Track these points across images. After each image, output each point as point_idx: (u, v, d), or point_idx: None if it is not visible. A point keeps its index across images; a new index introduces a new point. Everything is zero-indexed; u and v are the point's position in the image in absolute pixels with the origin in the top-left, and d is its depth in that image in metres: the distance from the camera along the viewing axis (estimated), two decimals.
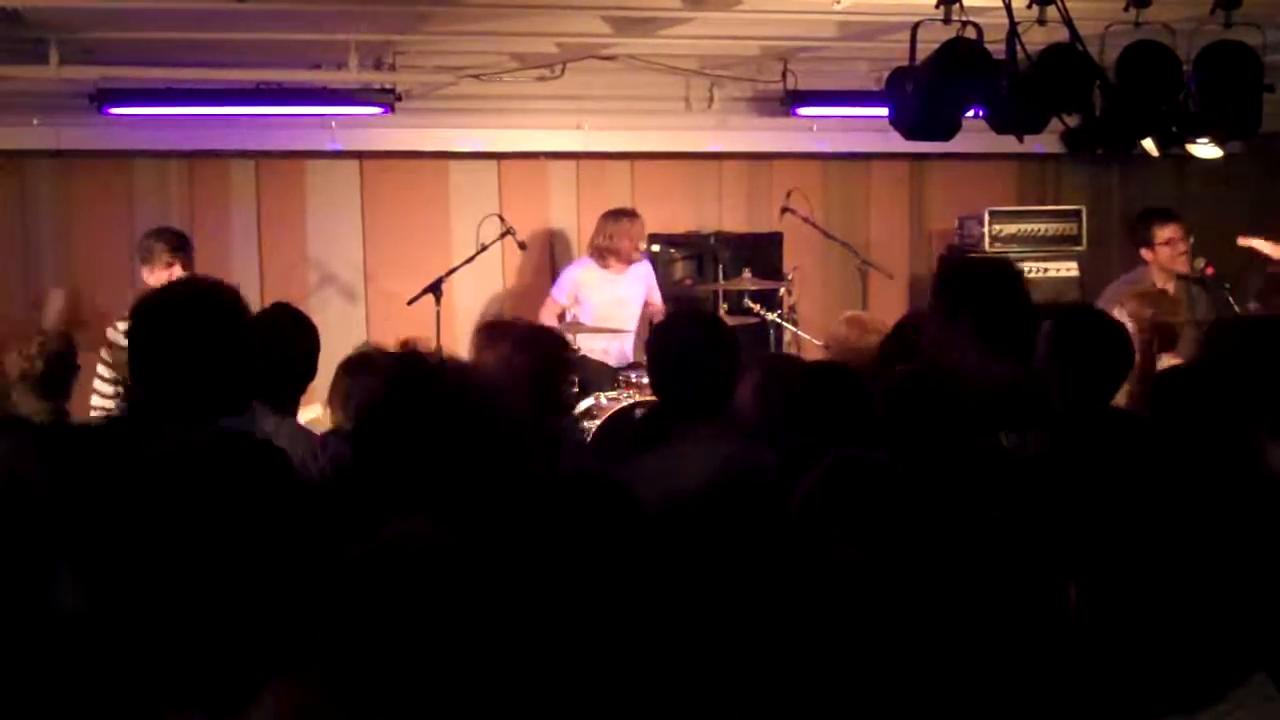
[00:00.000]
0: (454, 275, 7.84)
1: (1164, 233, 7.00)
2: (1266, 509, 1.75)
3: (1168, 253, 6.98)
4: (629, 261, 7.98)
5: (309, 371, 4.30)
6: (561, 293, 7.99)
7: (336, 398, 4.32)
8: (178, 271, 6.40)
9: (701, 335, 3.93)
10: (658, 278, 8.30)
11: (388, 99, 7.44)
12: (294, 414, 4.25)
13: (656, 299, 8.14)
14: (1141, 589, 1.66)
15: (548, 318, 7.75)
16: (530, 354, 4.35)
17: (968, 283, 4.39)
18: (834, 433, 3.33)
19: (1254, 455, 3.36)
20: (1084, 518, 2.01)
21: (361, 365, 4.33)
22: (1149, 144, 5.37)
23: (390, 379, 2.94)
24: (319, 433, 4.27)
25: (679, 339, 3.96)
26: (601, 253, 7.97)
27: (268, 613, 1.66)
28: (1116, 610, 1.71)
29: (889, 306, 7.65)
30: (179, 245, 6.63)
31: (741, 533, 3.04)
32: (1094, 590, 1.80)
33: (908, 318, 4.96)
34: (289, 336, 4.27)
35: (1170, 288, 6.78)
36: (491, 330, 5.08)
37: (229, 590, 1.78)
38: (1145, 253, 7.05)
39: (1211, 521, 1.64)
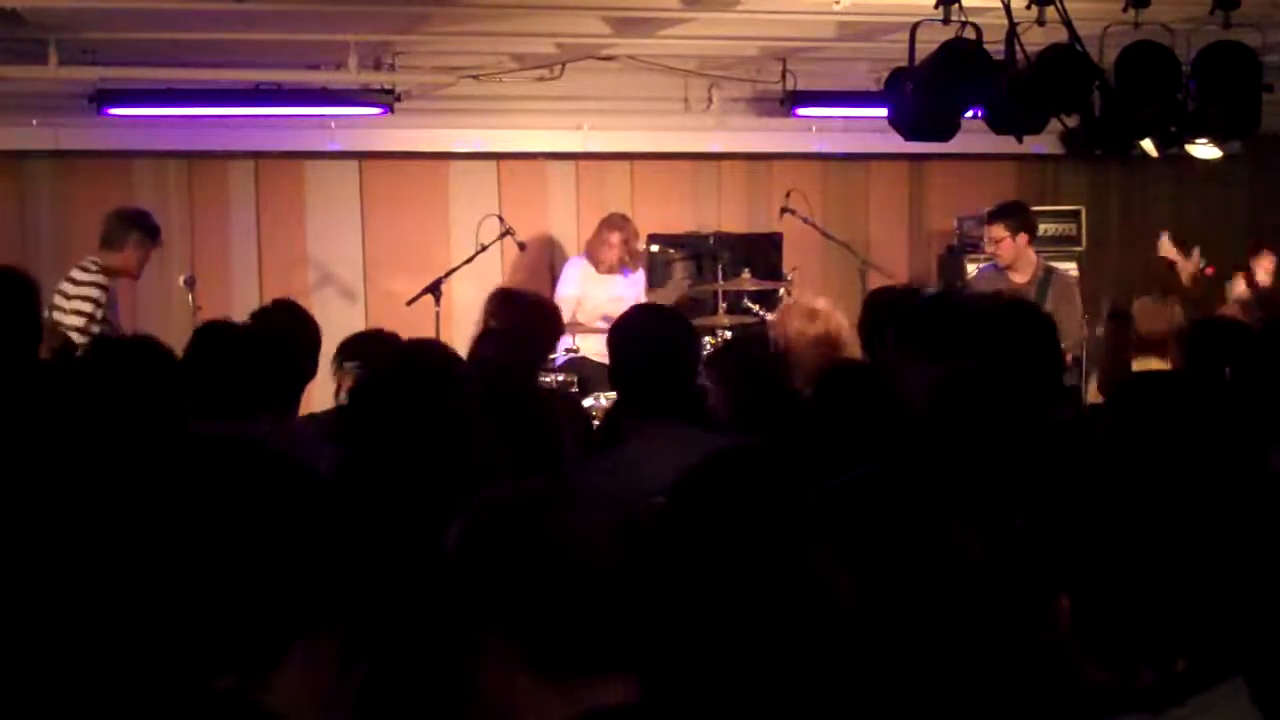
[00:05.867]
0: (453, 275, 7.82)
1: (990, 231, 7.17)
2: (1264, 508, 1.74)
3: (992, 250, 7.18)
4: (611, 268, 7.96)
5: (308, 370, 4.24)
6: (568, 285, 7.97)
7: None
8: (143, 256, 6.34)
9: (659, 330, 3.88)
10: (656, 279, 8.29)
11: (387, 99, 7.44)
12: (294, 414, 4.19)
13: None
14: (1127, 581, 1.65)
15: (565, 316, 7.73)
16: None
17: None
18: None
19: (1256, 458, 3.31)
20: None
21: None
22: (1148, 144, 5.38)
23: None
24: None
25: (636, 335, 3.89)
26: (592, 257, 8.01)
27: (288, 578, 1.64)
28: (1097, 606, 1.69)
29: None
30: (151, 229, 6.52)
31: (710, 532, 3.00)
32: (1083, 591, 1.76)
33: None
34: (285, 334, 4.20)
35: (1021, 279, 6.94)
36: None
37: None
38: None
39: (1202, 518, 1.63)
